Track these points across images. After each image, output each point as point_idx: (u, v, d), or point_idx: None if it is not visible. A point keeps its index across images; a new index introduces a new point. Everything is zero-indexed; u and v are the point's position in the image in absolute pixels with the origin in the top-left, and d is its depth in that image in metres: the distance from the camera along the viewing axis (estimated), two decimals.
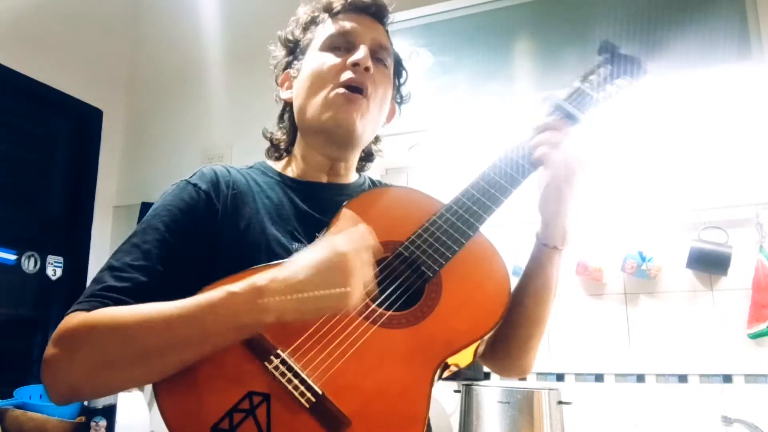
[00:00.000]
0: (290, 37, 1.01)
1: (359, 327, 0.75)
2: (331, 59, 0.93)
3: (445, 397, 1.96)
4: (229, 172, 0.93)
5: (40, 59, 2.36)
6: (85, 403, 1.82)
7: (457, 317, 0.78)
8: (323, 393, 0.70)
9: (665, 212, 1.87)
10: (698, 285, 1.83)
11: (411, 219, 0.85)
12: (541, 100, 0.93)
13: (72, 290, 2.38)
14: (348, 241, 0.73)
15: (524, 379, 1.96)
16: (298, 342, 0.73)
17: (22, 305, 2.35)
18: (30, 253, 2.32)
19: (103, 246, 2.51)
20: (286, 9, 1.05)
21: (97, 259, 2.47)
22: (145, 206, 2.36)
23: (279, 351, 0.72)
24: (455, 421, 1.85)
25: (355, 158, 1.01)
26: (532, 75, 1.82)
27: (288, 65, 1.02)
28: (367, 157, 1.07)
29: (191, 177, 0.91)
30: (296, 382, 0.70)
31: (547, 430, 1.65)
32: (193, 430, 0.70)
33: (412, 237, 0.82)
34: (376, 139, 1.06)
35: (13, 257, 2.28)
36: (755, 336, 1.72)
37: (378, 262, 0.81)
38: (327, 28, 0.96)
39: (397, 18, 1.04)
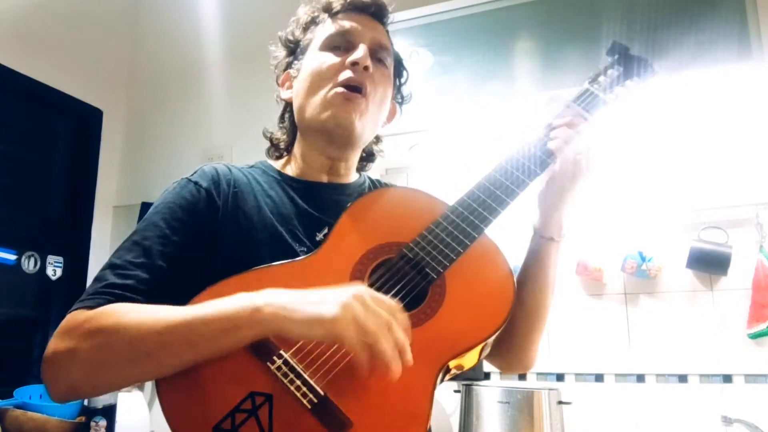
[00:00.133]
0: (290, 38, 1.02)
1: None
2: (331, 58, 0.93)
3: (445, 397, 1.96)
4: (230, 170, 0.93)
5: (40, 59, 2.36)
6: (85, 403, 1.82)
7: (461, 319, 0.78)
8: (325, 394, 0.70)
9: (665, 212, 1.87)
10: (698, 285, 1.83)
11: (415, 220, 0.85)
12: (548, 101, 0.93)
13: (72, 290, 2.38)
14: (368, 304, 0.68)
15: (524, 378, 1.96)
16: (300, 343, 0.73)
17: (22, 305, 2.35)
18: (30, 253, 2.32)
19: (103, 246, 2.51)
20: (286, 9, 1.05)
21: (97, 259, 2.47)
22: (145, 206, 2.36)
23: (282, 351, 0.72)
24: (455, 421, 1.85)
25: (355, 158, 1.01)
26: (532, 75, 1.82)
27: (288, 65, 1.02)
28: (368, 157, 1.07)
29: (192, 175, 0.91)
30: (298, 382, 0.70)
31: (547, 430, 1.65)
32: (195, 429, 0.70)
33: (417, 238, 0.82)
34: (377, 139, 1.06)
35: (13, 257, 2.28)
36: (755, 336, 1.72)
37: (382, 263, 0.81)
38: (327, 27, 0.96)
39: (397, 18, 1.04)
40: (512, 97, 1.80)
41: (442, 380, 0.76)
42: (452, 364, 0.76)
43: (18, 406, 1.76)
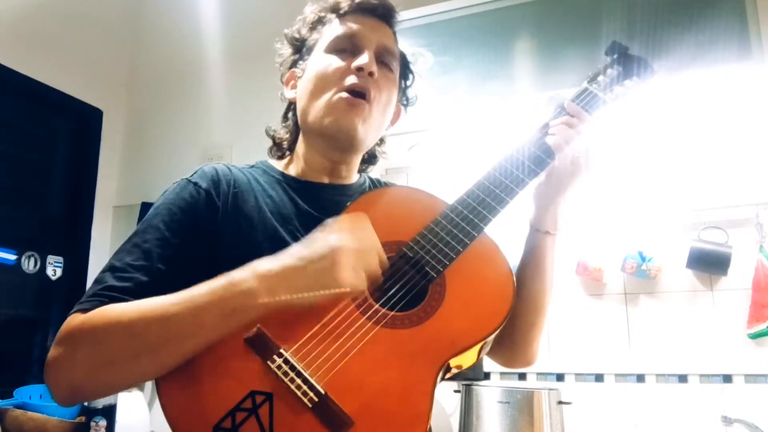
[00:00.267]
0: (296, 36, 1.01)
1: (362, 327, 0.75)
2: (336, 62, 0.92)
3: (445, 397, 1.96)
4: (230, 170, 0.93)
5: (40, 59, 2.36)
6: (85, 403, 1.82)
7: (461, 318, 0.78)
8: (326, 393, 0.70)
9: (665, 212, 1.87)
10: (698, 285, 1.83)
11: (415, 219, 0.85)
12: (548, 100, 0.94)
13: (72, 290, 2.38)
14: (346, 237, 0.74)
15: (524, 379, 1.96)
16: (301, 341, 0.73)
17: (22, 305, 2.35)
18: (30, 253, 2.32)
19: (103, 246, 2.52)
20: (287, 9, 1.05)
21: (97, 259, 2.47)
22: (145, 206, 2.36)
23: (282, 350, 0.72)
24: (455, 421, 1.85)
25: (357, 160, 1.01)
26: (533, 75, 1.82)
27: (294, 64, 1.01)
28: (370, 158, 1.07)
29: (192, 176, 0.91)
30: (299, 381, 0.70)
31: (547, 430, 1.65)
32: (196, 429, 0.70)
33: (417, 237, 0.82)
34: (381, 141, 1.06)
35: (13, 257, 2.28)
36: (755, 336, 1.72)
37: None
38: (333, 29, 0.95)
39: (397, 18, 1.03)
40: (512, 97, 1.80)
41: (442, 379, 0.76)
42: (452, 362, 0.76)
43: (18, 406, 1.76)
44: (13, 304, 2.32)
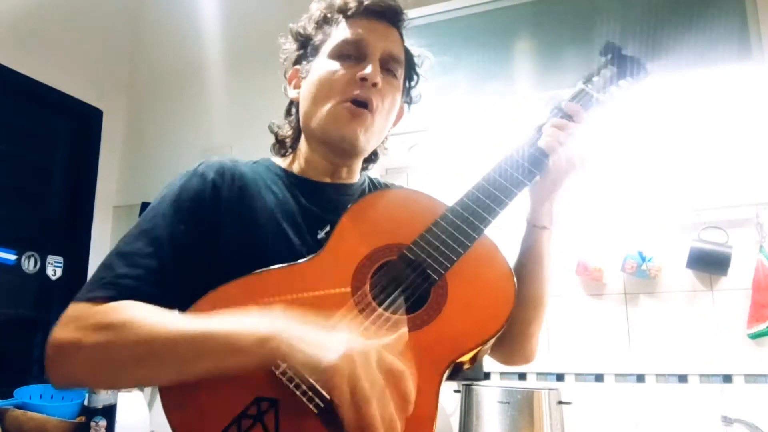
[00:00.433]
0: (301, 32, 0.99)
1: (366, 331, 0.74)
2: (340, 69, 0.92)
3: (445, 397, 1.95)
4: (236, 164, 0.93)
5: (40, 59, 2.36)
6: (85, 403, 1.82)
7: (463, 320, 0.78)
8: (331, 398, 0.69)
9: (665, 212, 1.87)
10: (698, 285, 1.83)
11: (415, 221, 0.85)
12: (545, 101, 0.94)
13: (72, 290, 2.34)
14: (370, 351, 0.65)
15: (524, 378, 1.96)
16: None
17: (22, 305, 2.35)
18: (30, 253, 2.32)
19: (103, 246, 2.51)
20: (287, 9, 1.05)
21: (97, 259, 2.46)
22: (145, 206, 2.33)
23: None
24: (455, 421, 1.85)
25: (358, 163, 1.01)
26: (532, 75, 1.82)
27: (298, 60, 1.00)
28: (372, 157, 1.07)
29: (198, 166, 0.91)
30: (304, 387, 0.69)
31: (547, 430, 1.65)
32: None
33: (417, 240, 0.82)
34: (383, 140, 1.07)
35: (13, 257, 2.28)
36: (755, 336, 1.72)
37: (383, 265, 0.81)
38: (340, 32, 0.94)
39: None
40: (512, 97, 1.80)
41: (446, 380, 0.76)
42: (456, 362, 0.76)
43: (18, 406, 1.76)
44: (13, 304, 2.32)
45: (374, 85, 0.90)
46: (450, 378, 0.78)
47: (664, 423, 1.78)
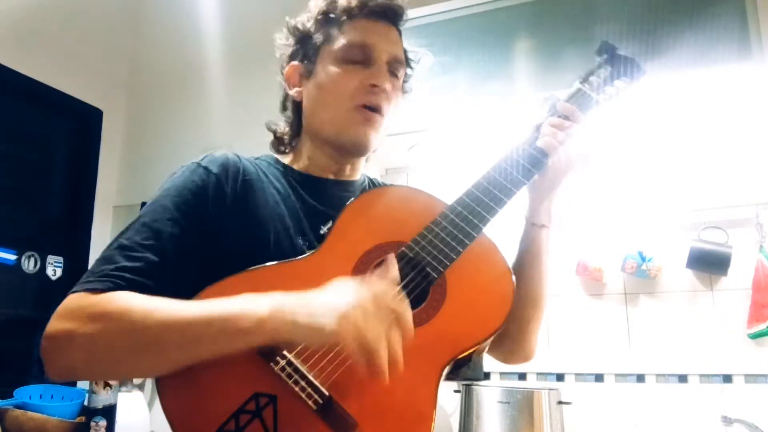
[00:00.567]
0: (300, 27, 0.98)
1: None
2: (351, 76, 0.92)
3: (445, 397, 1.96)
4: (239, 158, 0.93)
5: (40, 59, 2.36)
6: (85, 403, 1.82)
7: (462, 319, 0.78)
8: (330, 395, 0.70)
9: (665, 212, 1.87)
10: (698, 285, 1.83)
11: (414, 219, 0.85)
12: (543, 101, 0.95)
13: None
14: (371, 304, 0.68)
15: (524, 379, 1.96)
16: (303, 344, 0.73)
17: (22, 305, 2.35)
18: (30, 253, 2.32)
19: (103, 246, 2.46)
20: (287, 10, 1.05)
21: None
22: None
23: (285, 352, 0.72)
24: (455, 421, 1.85)
25: (362, 160, 1.01)
26: (532, 75, 1.82)
27: (295, 57, 0.99)
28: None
29: (202, 159, 0.90)
30: (303, 383, 0.70)
31: (547, 430, 1.65)
32: (199, 431, 0.70)
33: (417, 238, 0.82)
34: None
35: (13, 257, 2.28)
36: (755, 336, 1.72)
37: (382, 263, 0.81)
38: (345, 35, 0.94)
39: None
40: (512, 97, 1.80)
41: (444, 378, 0.77)
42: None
43: (18, 406, 1.76)
44: (13, 304, 2.32)
45: (383, 91, 0.92)
46: (449, 377, 0.78)
47: (664, 423, 1.78)
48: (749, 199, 1.79)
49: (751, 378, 1.72)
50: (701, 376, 1.77)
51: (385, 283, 0.72)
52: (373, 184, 1.05)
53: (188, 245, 0.82)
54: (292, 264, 0.82)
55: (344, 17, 0.94)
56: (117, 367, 0.75)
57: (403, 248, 0.82)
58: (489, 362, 1.02)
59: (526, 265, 0.94)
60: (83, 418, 1.81)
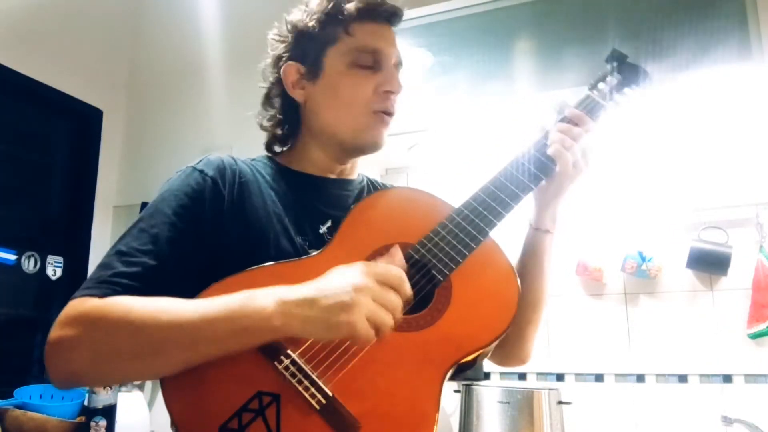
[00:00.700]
0: (301, 26, 0.96)
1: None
2: (364, 81, 0.92)
3: (445, 397, 1.95)
4: (235, 161, 0.93)
5: (40, 59, 2.36)
6: (85, 403, 1.82)
7: (467, 322, 0.78)
8: (333, 395, 0.70)
9: (665, 212, 1.87)
10: (698, 285, 1.83)
11: (421, 221, 0.85)
12: (552, 104, 0.96)
13: (72, 290, 2.34)
14: (373, 284, 0.70)
15: (524, 379, 1.96)
16: (308, 343, 0.73)
17: (22, 305, 2.35)
18: (30, 253, 2.32)
19: (103, 246, 2.51)
20: (286, 10, 1.04)
21: (97, 259, 2.41)
22: (146, 206, 2.35)
23: (289, 351, 0.72)
24: (455, 421, 1.85)
25: (359, 159, 1.02)
26: (532, 75, 1.82)
27: (295, 57, 0.96)
28: None
29: (197, 163, 0.90)
30: (306, 383, 0.70)
31: (547, 430, 1.65)
32: (202, 429, 0.70)
33: (423, 240, 0.83)
34: None
35: (13, 257, 2.28)
36: (755, 336, 1.72)
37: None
38: (354, 37, 0.93)
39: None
40: (512, 97, 1.80)
41: (448, 380, 0.77)
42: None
43: (18, 406, 1.76)
44: (13, 304, 2.32)
45: (395, 94, 0.94)
46: (450, 378, 0.78)
47: (664, 423, 1.78)
48: (749, 199, 1.79)
49: (751, 378, 1.72)
50: (701, 376, 1.77)
51: (385, 263, 0.74)
52: (371, 183, 1.05)
53: (186, 249, 0.82)
54: (294, 264, 0.82)
55: (349, 19, 0.93)
56: (121, 372, 0.76)
57: (409, 250, 0.82)
58: (489, 362, 1.02)
59: (528, 269, 0.94)
60: (83, 418, 1.81)
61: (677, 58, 1.57)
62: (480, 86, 1.86)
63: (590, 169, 0.92)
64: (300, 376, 0.70)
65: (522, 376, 1.97)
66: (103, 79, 2.66)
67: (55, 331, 0.74)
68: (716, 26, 1.60)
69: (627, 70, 1.00)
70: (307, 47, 0.95)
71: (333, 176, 0.99)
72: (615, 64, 1.01)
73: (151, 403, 2.10)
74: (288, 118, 0.99)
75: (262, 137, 1.05)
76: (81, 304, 0.75)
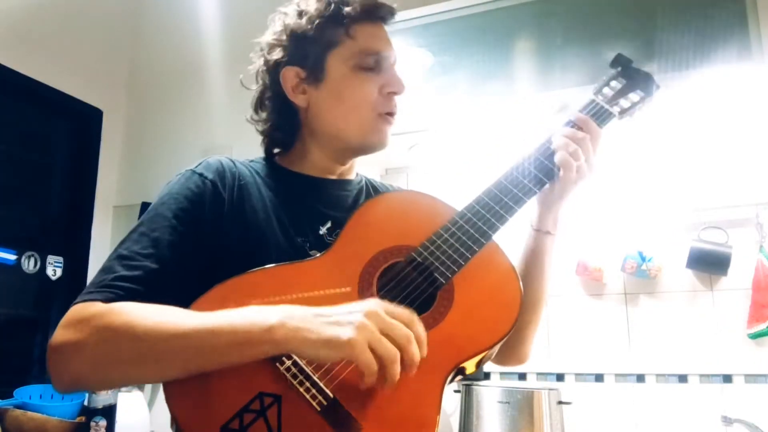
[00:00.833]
0: (298, 30, 0.94)
1: None
2: (368, 84, 0.93)
3: (445, 397, 1.95)
4: (234, 163, 0.93)
5: (40, 59, 2.36)
6: (85, 403, 1.82)
7: (469, 325, 0.78)
8: (335, 397, 0.70)
9: (665, 212, 1.87)
10: (698, 285, 1.83)
11: (423, 224, 0.85)
12: (557, 109, 0.96)
13: (72, 290, 2.38)
14: (380, 317, 0.69)
15: (524, 379, 1.96)
16: None
17: (22, 305, 2.35)
18: (30, 253, 2.32)
19: (103, 246, 2.51)
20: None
21: (97, 259, 2.47)
22: (145, 206, 2.35)
23: None
24: (455, 421, 1.85)
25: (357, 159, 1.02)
26: (533, 75, 1.82)
27: (292, 59, 0.95)
28: None
29: (197, 166, 0.90)
30: (308, 384, 0.70)
31: (547, 430, 1.65)
32: (203, 429, 0.70)
33: (425, 243, 0.83)
34: None
35: (13, 257, 2.28)
36: (755, 336, 1.72)
37: (390, 267, 0.82)
38: (356, 40, 0.92)
39: (397, 18, 1.03)
40: (512, 97, 1.80)
41: (449, 383, 0.77)
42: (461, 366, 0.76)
43: (18, 406, 1.76)
44: (13, 304, 2.32)
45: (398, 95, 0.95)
46: (452, 381, 0.78)
47: (664, 423, 1.78)
48: (749, 199, 1.79)
49: (751, 378, 1.72)
50: (701, 376, 1.77)
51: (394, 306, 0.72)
52: (369, 183, 1.06)
53: (187, 252, 0.82)
54: (296, 265, 0.82)
55: (348, 21, 0.93)
56: (123, 376, 0.76)
57: (412, 253, 0.82)
58: (488, 362, 1.02)
59: (528, 270, 0.94)
60: (83, 418, 1.81)
61: (677, 58, 1.57)
62: (480, 86, 1.86)
63: (594, 174, 0.92)
64: (302, 377, 0.70)
65: (522, 376, 1.97)
66: (103, 79, 2.66)
67: (58, 336, 0.74)
68: (716, 26, 1.60)
69: (632, 75, 1.00)
70: (306, 51, 0.94)
71: (332, 177, 0.99)
72: (620, 68, 1.01)
73: (151, 403, 2.10)
74: (286, 122, 0.98)
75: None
76: (83, 309, 0.75)
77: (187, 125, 2.58)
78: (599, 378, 1.88)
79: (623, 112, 0.98)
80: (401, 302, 0.77)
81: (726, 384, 1.75)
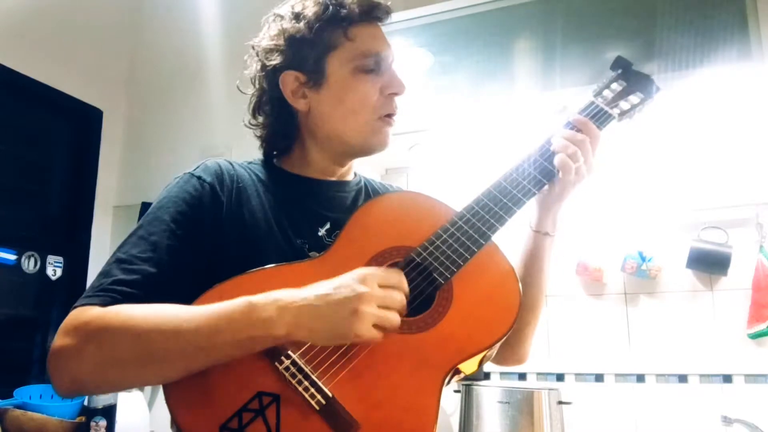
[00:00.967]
0: (296, 34, 0.93)
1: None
2: (369, 86, 0.92)
3: (445, 397, 1.95)
4: (232, 165, 0.93)
5: (40, 59, 2.36)
6: (85, 403, 1.82)
7: (468, 324, 0.78)
8: (333, 396, 0.70)
9: (665, 212, 1.87)
10: (698, 285, 1.83)
11: (423, 224, 0.85)
12: (557, 110, 0.96)
13: (72, 290, 2.38)
14: (373, 286, 0.72)
15: (524, 379, 1.96)
16: (309, 343, 0.73)
17: (22, 305, 2.35)
18: (30, 253, 2.32)
19: (103, 246, 2.51)
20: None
21: (97, 259, 2.47)
22: (145, 206, 2.35)
23: (290, 352, 0.72)
24: (455, 421, 1.85)
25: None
26: (533, 75, 1.82)
27: (291, 64, 0.94)
28: None
29: (195, 170, 0.91)
30: (306, 383, 0.70)
31: (547, 430, 1.65)
32: (202, 428, 0.70)
33: (425, 243, 0.83)
34: None
35: (13, 257, 2.28)
36: (755, 336, 1.72)
37: (389, 267, 0.81)
38: (355, 42, 0.92)
39: (397, 18, 1.04)
40: (512, 97, 1.80)
41: (448, 383, 0.77)
42: (459, 366, 0.76)
43: (18, 406, 1.76)
44: (13, 304, 2.32)
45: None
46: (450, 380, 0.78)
47: (664, 423, 1.78)
48: (749, 199, 1.79)
49: (751, 378, 1.72)
50: (701, 376, 1.77)
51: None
52: (368, 184, 1.06)
53: (186, 255, 0.83)
54: (295, 266, 0.82)
55: (348, 23, 0.92)
56: (124, 379, 0.76)
57: (411, 253, 0.82)
58: (488, 362, 1.03)
59: (527, 271, 0.95)
60: (83, 418, 1.81)
61: (677, 58, 1.57)
62: (480, 86, 1.86)
63: (593, 176, 0.92)
64: (300, 376, 0.70)
65: (522, 376, 1.97)
66: (103, 79, 2.66)
67: (57, 341, 0.74)
68: (716, 26, 1.60)
69: (632, 77, 1.00)
70: (305, 55, 0.93)
71: (331, 178, 0.99)
72: (620, 71, 1.01)
73: (151, 403, 2.10)
74: (285, 126, 0.98)
75: None
76: (82, 314, 0.75)
77: (186, 125, 2.58)
78: (599, 378, 1.88)
79: (623, 114, 0.98)
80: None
81: (726, 384, 1.75)
